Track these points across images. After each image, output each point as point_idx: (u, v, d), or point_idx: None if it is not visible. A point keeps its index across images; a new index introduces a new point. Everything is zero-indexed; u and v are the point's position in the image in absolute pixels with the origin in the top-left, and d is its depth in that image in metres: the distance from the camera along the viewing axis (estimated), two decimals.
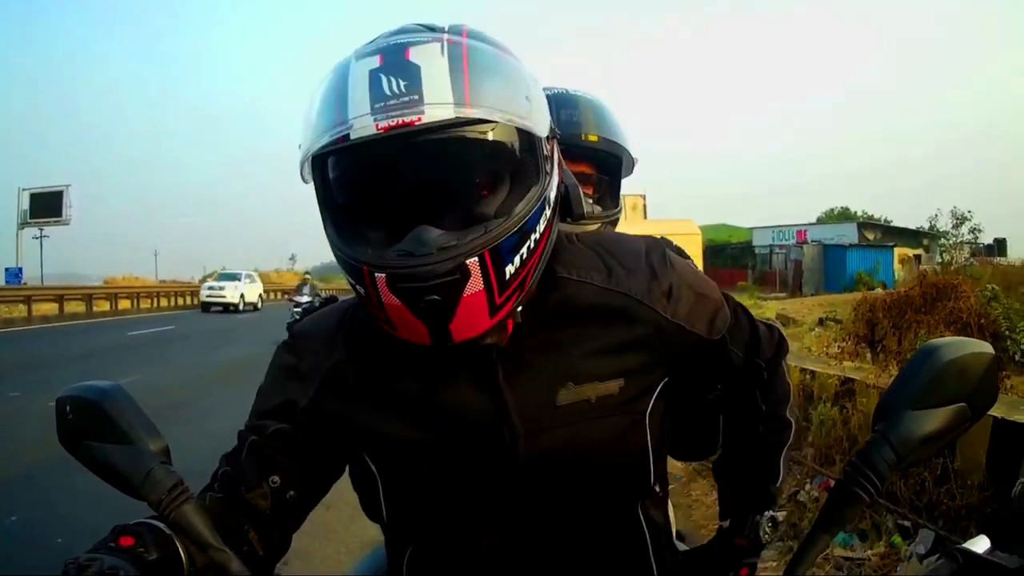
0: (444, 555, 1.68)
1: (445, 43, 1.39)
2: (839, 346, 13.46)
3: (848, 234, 69.98)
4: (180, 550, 1.42)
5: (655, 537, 1.76)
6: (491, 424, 1.57)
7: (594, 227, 2.58)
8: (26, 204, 55.20)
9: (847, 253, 58.90)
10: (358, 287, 1.46)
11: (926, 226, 62.22)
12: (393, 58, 1.38)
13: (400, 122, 1.32)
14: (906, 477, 5.76)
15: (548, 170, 1.51)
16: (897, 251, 61.16)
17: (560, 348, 1.61)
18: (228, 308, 47.85)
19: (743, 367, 1.86)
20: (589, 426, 1.59)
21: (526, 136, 1.45)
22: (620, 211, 2.83)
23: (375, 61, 1.38)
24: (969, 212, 51.01)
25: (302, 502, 1.68)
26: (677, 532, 2.08)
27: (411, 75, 1.35)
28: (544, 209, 1.49)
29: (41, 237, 55.69)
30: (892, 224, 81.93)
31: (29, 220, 54.99)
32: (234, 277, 51.50)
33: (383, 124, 1.32)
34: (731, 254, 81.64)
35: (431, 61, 1.37)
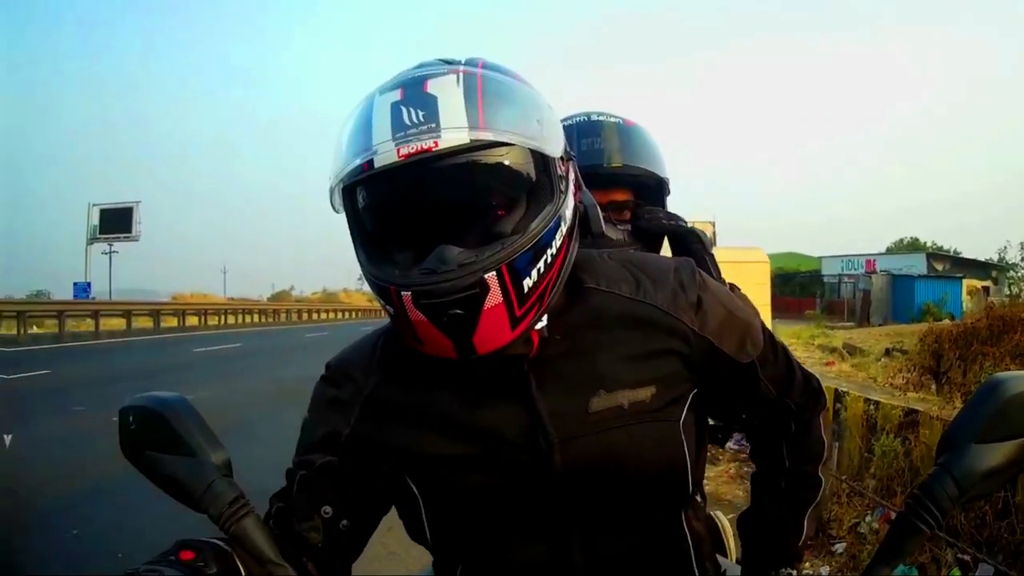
0: (493, 571, 1.68)
1: (461, 74, 1.48)
2: (903, 377, 13.32)
3: (917, 265, 69.27)
4: (240, 566, 1.44)
5: (697, 547, 1.77)
6: (526, 434, 1.59)
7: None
8: (96, 220, 56.00)
9: (915, 283, 58.25)
10: (388, 307, 1.51)
11: (995, 258, 61.54)
12: (412, 90, 1.47)
13: (419, 148, 1.40)
14: (967, 510, 5.65)
15: (563, 189, 1.57)
16: (965, 283, 60.22)
17: (590, 356, 1.64)
18: None
19: (772, 405, 1.83)
20: (623, 433, 1.61)
21: (539, 157, 1.52)
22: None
23: (396, 95, 1.47)
24: None
25: (356, 532, 1.71)
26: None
27: (428, 105, 1.43)
28: (559, 226, 1.54)
29: (111, 252, 56.46)
30: (961, 255, 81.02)
31: (99, 236, 55.76)
32: None
33: (403, 151, 1.40)
34: (800, 282, 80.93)
35: (447, 91, 1.45)
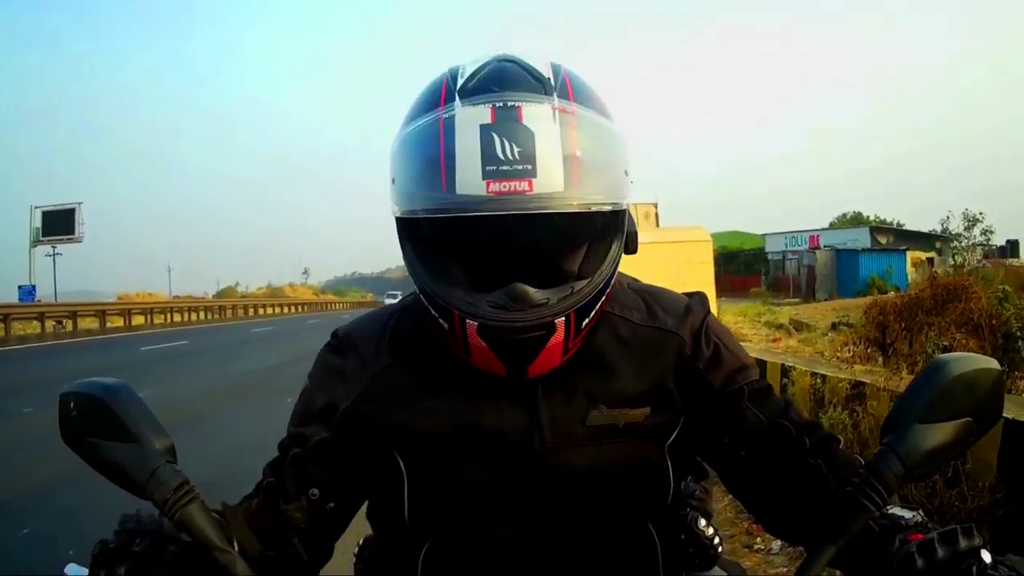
0: (461, 549, 1.71)
1: (557, 112, 1.44)
2: (850, 349, 13.41)
3: (861, 239, 69.78)
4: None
5: (667, 551, 1.81)
6: (524, 435, 1.65)
7: None
8: (38, 222, 55.33)
9: (860, 257, 58.93)
10: (442, 321, 1.53)
11: (939, 229, 62.15)
12: (506, 117, 1.42)
13: (512, 189, 1.38)
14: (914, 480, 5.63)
15: (622, 227, 1.59)
16: (910, 255, 61.01)
17: (597, 373, 1.69)
18: None
19: (765, 432, 1.69)
20: (613, 448, 1.67)
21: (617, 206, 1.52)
22: None
23: (486, 115, 1.42)
24: (981, 214, 51.28)
25: (341, 512, 1.73)
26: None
27: (525, 141, 1.40)
28: (618, 263, 1.59)
29: (54, 255, 55.80)
30: (904, 227, 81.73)
31: (42, 238, 55.09)
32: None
33: (495, 189, 1.38)
34: (744, 260, 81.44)
35: (544, 129, 1.42)
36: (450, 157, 1.41)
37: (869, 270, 54.10)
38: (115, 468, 1.40)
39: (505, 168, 1.38)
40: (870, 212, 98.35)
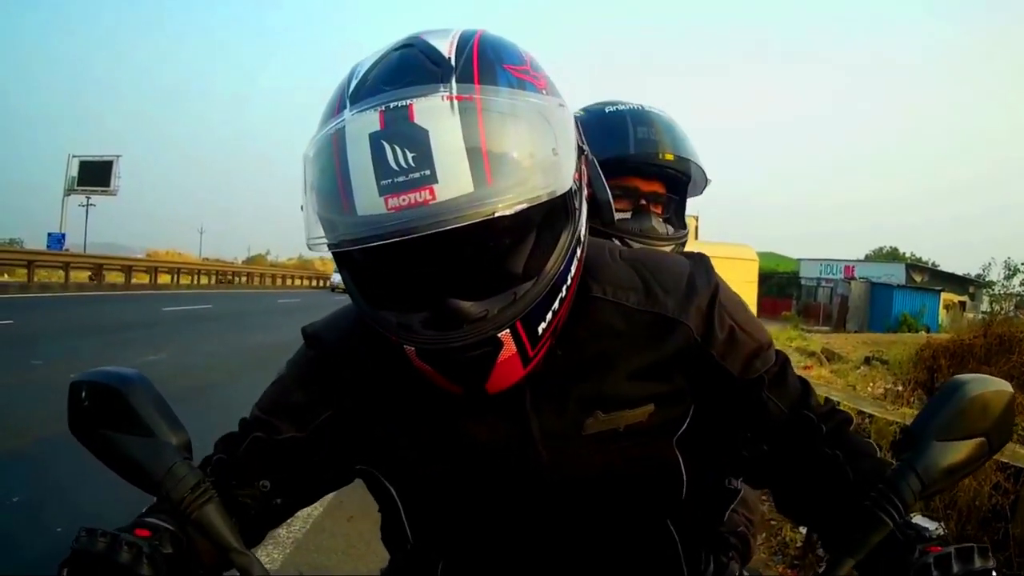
0: (476, 566, 1.65)
1: (454, 102, 1.27)
2: (885, 389, 13.24)
3: (896, 274, 71.02)
4: (196, 552, 1.41)
5: (688, 548, 1.75)
6: (516, 451, 1.55)
7: (668, 248, 2.54)
8: (75, 171, 55.78)
9: (894, 293, 59.31)
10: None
11: (973, 273, 62.61)
12: (395, 120, 1.26)
13: (412, 202, 1.23)
14: (964, 542, 5.37)
15: (577, 206, 1.45)
16: (943, 296, 61.44)
17: (591, 374, 1.56)
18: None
19: (787, 423, 1.61)
20: (616, 453, 1.58)
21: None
22: (687, 232, 2.75)
23: (375, 121, 1.27)
24: (1023, 264, 51.25)
25: (286, 508, 1.67)
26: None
27: (419, 143, 1.24)
28: (576, 251, 1.44)
29: (88, 205, 56.30)
30: (940, 268, 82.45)
31: (76, 187, 55.55)
32: None
33: (394, 204, 1.23)
34: (777, 283, 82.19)
35: (439, 125, 1.26)
36: (345, 176, 1.28)
37: (902, 307, 54.72)
38: (129, 463, 1.36)
39: (400, 180, 1.23)
40: (907, 249, 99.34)
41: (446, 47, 1.37)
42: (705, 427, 1.67)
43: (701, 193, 2.82)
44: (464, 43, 1.38)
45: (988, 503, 5.53)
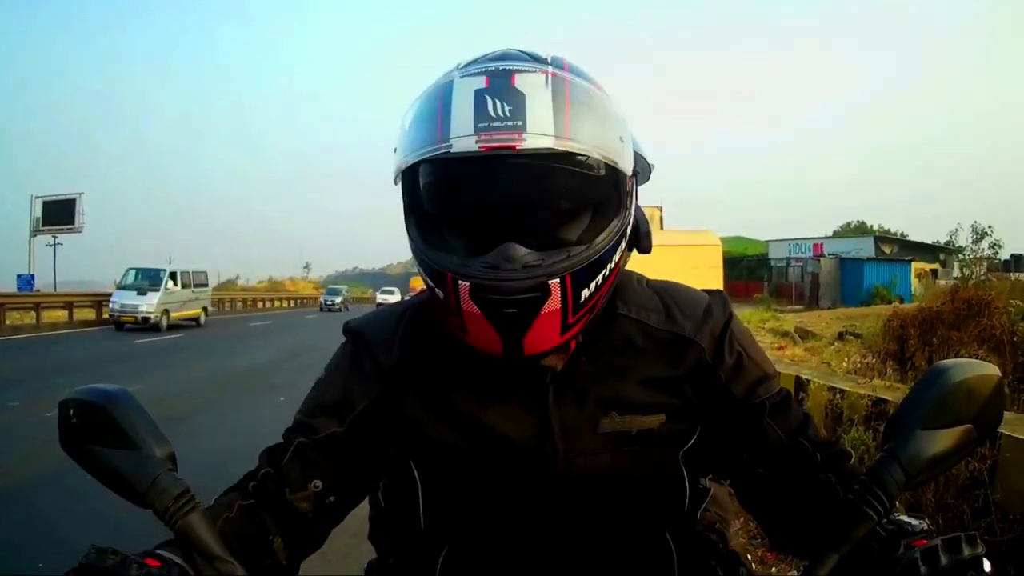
0: (480, 554, 1.72)
1: (549, 76, 1.45)
2: (862, 362, 13.23)
3: (865, 248, 70.88)
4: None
5: (684, 559, 1.79)
6: (534, 441, 1.64)
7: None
8: (39, 212, 55.30)
9: (864, 266, 59.54)
10: (437, 290, 1.53)
11: (942, 240, 62.65)
12: (500, 81, 1.44)
13: (502, 144, 1.38)
14: (944, 511, 5.59)
15: (627, 205, 1.59)
16: (914, 265, 61.69)
17: (609, 379, 1.68)
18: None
19: (784, 449, 1.70)
20: (626, 456, 1.66)
21: (613, 172, 1.51)
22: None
23: (481, 81, 1.44)
24: (990, 227, 51.42)
25: (340, 506, 1.73)
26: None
27: (516, 101, 1.41)
28: (621, 242, 1.57)
29: (55, 244, 55.86)
30: (909, 238, 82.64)
31: (42, 228, 55.12)
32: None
33: (486, 144, 1.38)
34: (747, 266, 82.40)
35: (536, 91, 1.43)
36: (445, 113, 1.43)
37: (873, 280, 54.91)
38: (115, 476, 1.39)
39: (496, 125, 1.39)
40: (874, 222, 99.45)
41: (541, 53, 1.55)
42: (710, 446, 1.75)
43: (647, 180, 2.77)
44: (558, 57, 1.55)
45: (966, 470, 5.53)
